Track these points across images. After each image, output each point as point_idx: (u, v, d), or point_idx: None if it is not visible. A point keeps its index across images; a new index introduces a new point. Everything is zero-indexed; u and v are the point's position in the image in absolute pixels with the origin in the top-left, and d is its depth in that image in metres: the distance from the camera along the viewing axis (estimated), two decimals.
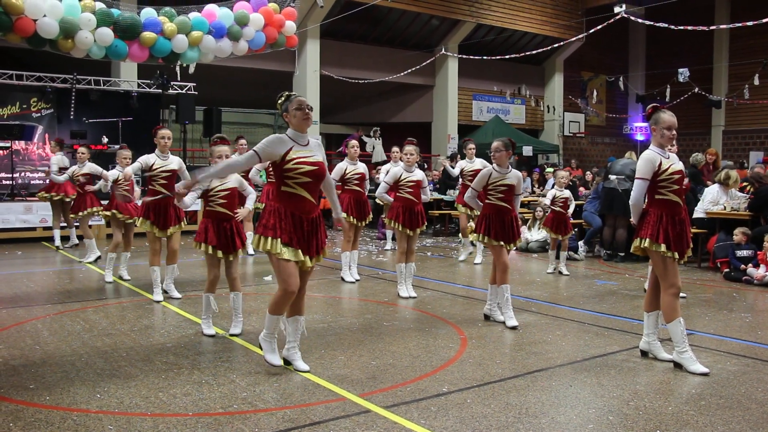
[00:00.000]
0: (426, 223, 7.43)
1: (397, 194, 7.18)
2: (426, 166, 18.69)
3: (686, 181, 5.09)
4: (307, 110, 4.40)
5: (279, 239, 4.23)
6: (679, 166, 4.79)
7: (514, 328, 5.77)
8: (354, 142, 8.14)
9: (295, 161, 4.27)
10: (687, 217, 4.85)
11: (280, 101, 4.49)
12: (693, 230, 6.98)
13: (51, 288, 7.81)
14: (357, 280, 8.14)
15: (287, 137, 4.36)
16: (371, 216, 8.17)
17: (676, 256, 4.67)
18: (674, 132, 4.73)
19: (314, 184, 4.35)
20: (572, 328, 5.86)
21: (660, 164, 4.68)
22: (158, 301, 6.73)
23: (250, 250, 9.91)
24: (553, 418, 3.73)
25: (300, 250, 4.28)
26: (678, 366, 4.67)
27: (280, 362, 4.51)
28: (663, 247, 4.62)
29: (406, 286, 7.20)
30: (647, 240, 4.68)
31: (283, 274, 4.29)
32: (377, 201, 9.20)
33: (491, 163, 6.07)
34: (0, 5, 8.00)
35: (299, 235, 4.28)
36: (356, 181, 7.99)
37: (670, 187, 4.70)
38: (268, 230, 4.27)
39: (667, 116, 4.74)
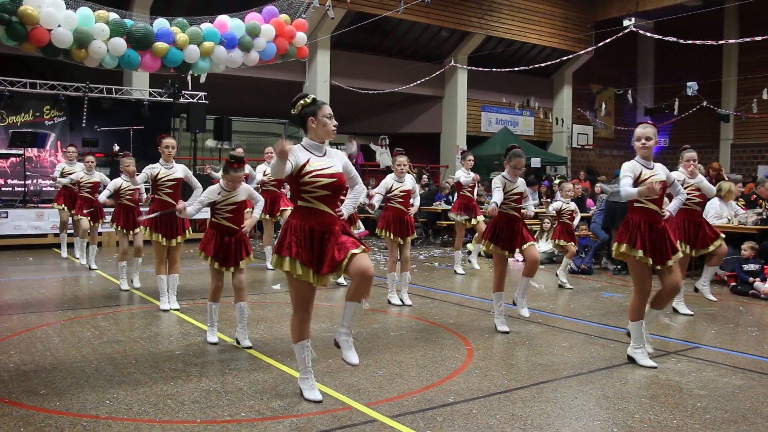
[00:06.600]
0: (415, 232, 7.56)
1: (388, 204, 7.33)
2: (431, 178, 18.73)
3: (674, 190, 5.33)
4: (334, 120, 4.17)
5: (295, 258, 3.97)
6: (662, 177, 5.02)
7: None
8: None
9: (312, 174, 3.98)
10: (667, 225, 5.07)
11: (303, 103, 4.11)
12: None
13: (61, 294, 7.89)
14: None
15: (303, 148, 4.07)
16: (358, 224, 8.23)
17: (650, 262, 4.91)
18: (643, 141, 4.98)
19: (332, 196, 4.06)
20: (578, 340, 5.86)
21: (640, 173, 4.96)
22: (165, 310, 6.78)
23: (269, 264, 9.92)
24: (558, 429, 3.74)
25: (312, 270, 4.00)
26: (631, 360, 5.06)
27: (321, 397, 4.17)
28: (640, 253, 4.89)
29: (398, 294, 7.33)
30: (625, 245, 4.97)
31: (296, 295, 4.11)
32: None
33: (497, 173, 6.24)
34: (16, 15, 8.13)
35: (318, 251, 4.01)
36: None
37: (649, 195, 4.90)
38: (283, 249, 4.01)
39: (638, 129, 5.08)
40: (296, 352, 4.23)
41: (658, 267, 5.02)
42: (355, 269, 3.97)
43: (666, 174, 5.10)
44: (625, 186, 4.87)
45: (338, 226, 4.08)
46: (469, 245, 11.48)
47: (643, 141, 4.97)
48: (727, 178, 11.40)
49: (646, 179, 4.93)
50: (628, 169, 4.95)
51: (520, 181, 6.20)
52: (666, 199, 5.38)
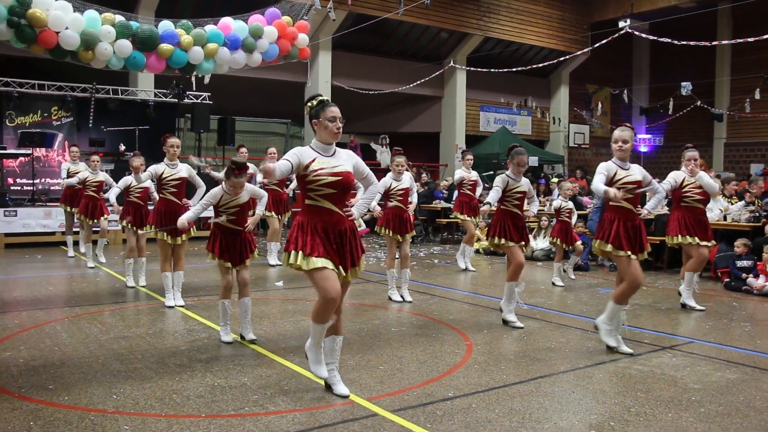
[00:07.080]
0: (414, 230, 7.70)
1: (387, 202, 7.46)
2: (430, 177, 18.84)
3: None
4: (339, 123, 4.12)
5: (301, 252, 3.97)
6: (637, 177, 5.25)
7: (506, 322, 6.19)
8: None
9: (316, 172, 4.00)
10: (641, 223, 5.33)
11: (310, 104, 4.15)
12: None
13: (69, 291, 7.97)
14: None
15: (310, 148, 4.10)
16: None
17: (629, 254, 5.14)
18: (620, 144, 5.20)
19: (339, 195, 4.06)
20: (575, 335, 5.95)
21: (615, 173, 5.19)
22: (170, 306, 6.86)
23: (272, 260, 10.01)
24: (556, 423, 3.81)
25: (327, 258, 3.99)
26: (596, 329, 5.37)
27: (326, 374, 4.24)
28: (609, 247, 5.17)
29: (398, 291, 7.44)
30: (598, 242, 5.26)
31: (318, 282, 3.99)
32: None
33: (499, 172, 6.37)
34: (25, 18, 8.23)
35: (327, 246, 4.01)
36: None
37: (614, 200, 5.12)
38: (290, 245, 4.03)
39: (616, 132, 5.28)
40: (313, 329, 4.14)
41: (641, 259, 5.26)
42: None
43: (642, 174, 5.30)
44: (597, 183, 5.11)
45: (345, 226, 4.11)
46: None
47: (620, 143, 5.18)
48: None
49: (620, 179, 5.15)
50: (603, 168, 5.20)
51: (525, 180, 6.31)
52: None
